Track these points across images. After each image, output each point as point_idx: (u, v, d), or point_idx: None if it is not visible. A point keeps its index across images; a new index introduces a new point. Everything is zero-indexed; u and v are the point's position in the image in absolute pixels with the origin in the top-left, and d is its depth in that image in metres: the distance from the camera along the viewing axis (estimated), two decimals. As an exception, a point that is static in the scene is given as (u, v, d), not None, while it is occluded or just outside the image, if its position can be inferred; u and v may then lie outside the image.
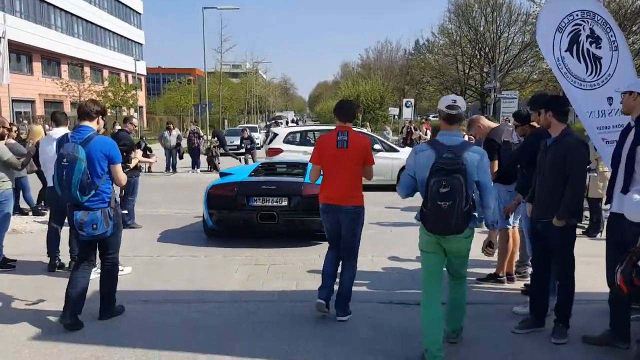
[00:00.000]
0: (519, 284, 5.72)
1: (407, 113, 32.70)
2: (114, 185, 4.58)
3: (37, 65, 39.12)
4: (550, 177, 4.20)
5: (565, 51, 4.92)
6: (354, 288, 4.80)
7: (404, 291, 5.51)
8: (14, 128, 17.65)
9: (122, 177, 4.53)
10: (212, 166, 18.52)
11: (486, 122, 5.76)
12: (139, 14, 60.32)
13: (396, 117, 35.71)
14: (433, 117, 52.11)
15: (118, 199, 4.84)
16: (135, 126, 8.84)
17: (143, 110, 59.62)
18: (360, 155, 4.52)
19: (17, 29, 34.20)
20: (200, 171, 18.27)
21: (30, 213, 9.70)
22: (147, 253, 6.99)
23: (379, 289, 5.61)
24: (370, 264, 6.49)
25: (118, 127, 18.05)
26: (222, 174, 8.55)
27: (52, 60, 41.02)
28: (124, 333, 4.38)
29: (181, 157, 18.27)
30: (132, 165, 5.41)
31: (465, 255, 3.91)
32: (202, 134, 19.57)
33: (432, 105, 57.98)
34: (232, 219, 7.40)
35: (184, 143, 19.10)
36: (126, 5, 55.85)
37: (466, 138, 5.39)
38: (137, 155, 6.12)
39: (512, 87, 33.79)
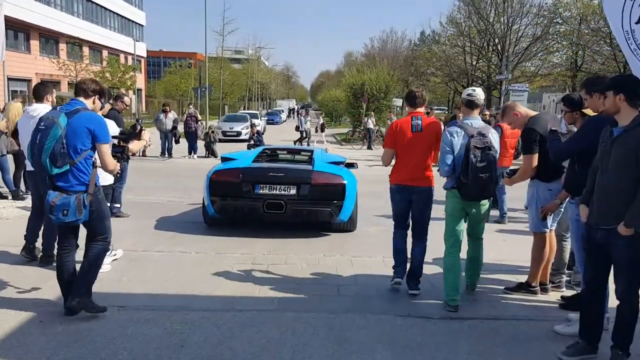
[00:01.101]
0: (553, 295, 4.99)
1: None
2: (99, 169, 4.09)
3: (34, 44, 38.11)
4: (616, 175, 3.42)
5: (637, 23, 4.10)
6: (371, 291, 4.87)
7: (423, 302, 4.74)
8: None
9: (110, 161, 4.05)
10: (210, 152, 17.74)
11: (523, 110, 4.96)
12: (141, -6, 59.09)
13: (398, 108, 34.87)
14: (437, 109, 51.49)
15: (99, 184, 4.14)
16: (127, 105, 8.05)
17: (142, 93, 58.63)
18: (432, 138, 4.78)
19: (15, 5, 33.15)
20: (197, 157, 17.50)
21: (10, 197, 8.90)
22: (130, 247, 6.21)
23: (395, 300, 4.84)
24: (381, 265, 5.73)
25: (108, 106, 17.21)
26: (224, 159, 7.81)
27: (50, 39, 39.99)
28: (95, 347, 3.62)
29: (177, 142, 17.40)
30: (132, 152, 4.55)
31: (484, 217, 4.81)
32: (199, 117, 18.69)
33: (437, 97, 57.32)
34: (236, 207, 6.90)
35: (181, 127, 18.24)
36: (128, -15, 54.64)
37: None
38: (139, 144, 4.98)
39: (520, 81, 32.83)
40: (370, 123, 24.01)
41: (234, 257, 5.97)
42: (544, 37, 32.67)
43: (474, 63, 39.45)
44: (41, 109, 5.28)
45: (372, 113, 25.54)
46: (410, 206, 4.89)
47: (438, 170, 4.56)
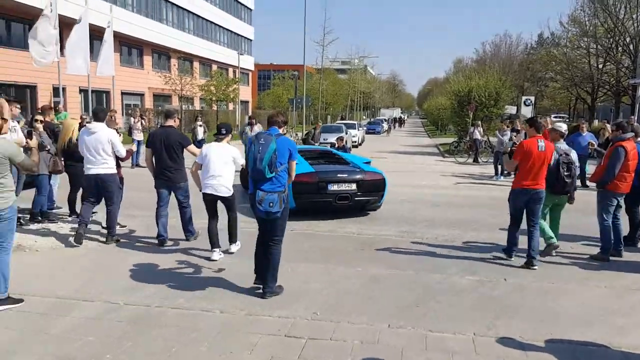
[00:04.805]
0: None
1: (527, 112, 28.69)
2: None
3: (147, 59, 40.04)
4: None
5: None
6: None
7: None
8: (86, 118, 17.07)
9: (293, 173, 5.28)
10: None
11: None
12: (250, 9, 60.53)
13: (511, 115, 31.67)
14: (555, 116, 46.73)
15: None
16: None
17: (249, 105, 60.01)
18: (550, 156, 6.36)
19: (130, 23, 35.01)
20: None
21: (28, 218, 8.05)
22: (150, 295, 5.03)
23: None
24: (470, 350, 3.95)
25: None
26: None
27: (162, 55, 41.81)
28: None
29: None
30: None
31: (564, 204, 6.96)
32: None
33: (556, 104, 52.23)
34: (313, 201, 8.95)
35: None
36: (237, 1, 56.15)
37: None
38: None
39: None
40: (477, 133, 21.51)
41: (267, 321, 4.50)
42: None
43: (600, 66, 35.08)
44: (100, 127, 6.86)
45: (480, 122, 23.00)
46: (525, 206, 6.42)
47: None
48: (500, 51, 53.95)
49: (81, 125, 10.73)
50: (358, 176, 9.22)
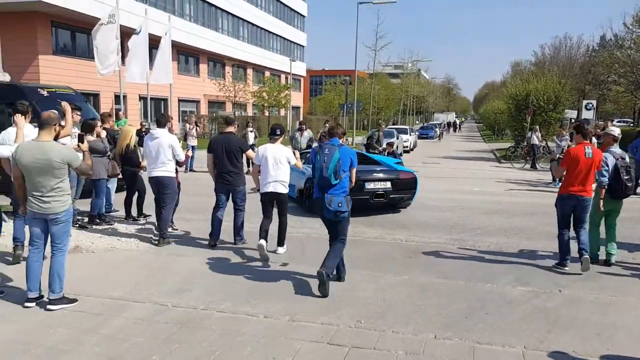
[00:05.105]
0: None
1: (588, 116, 27.37)
2: None
3: (203, 67, 41.13)
4: None
5: None
6: None
7: None
8: (145, 125, 17.62)
9: (354, 178, 5.82)
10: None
11: None
12: (303, 16, 61.15)
13: (573, 120, 30.35)
14: (618, 121, 44.39)
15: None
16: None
17: (300, 111, 60.52)
18: (597, 163, 6.35)
19: (187, 32, 36.10)
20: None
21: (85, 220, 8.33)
22: (198, 298, 5.13)
23: None
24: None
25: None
26: None
27: (217, 62, 42.87)
28: None
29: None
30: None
31: (619, 210, 6.85)
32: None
33: (618, 108, 49.69)
34: (352, 198, 8.99)
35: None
36: (291, 9, 56.87)
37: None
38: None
39: None
40: (535, 138, 20.76)
41: (310, 328, 4.48)
42: None
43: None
44: (161, 132, 7.24)
45: (538, 127, 22.19)
46: (572, 211, 6.41)
47: (595, 180, 6.41)
48: (560, 54, 51.94)
49: (140, 131, 11.14)
50: (393, 175, 9.91)
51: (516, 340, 4.29)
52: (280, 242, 6.97)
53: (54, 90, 11.18)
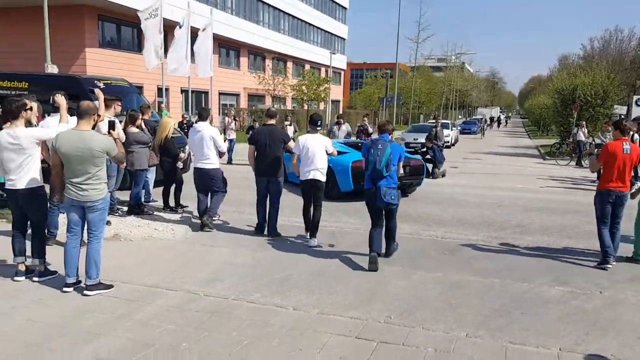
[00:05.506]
0: None
1: (638, 112, 26.15)
2: None
3: (244, 60, 41.44)
4: None
5: None
6: None
7: None
8: (186, 117, 17.87)
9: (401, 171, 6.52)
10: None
11: None
12: (345, 8, 60.76)
13: (623, 116, 29.10)
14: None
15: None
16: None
17: (340, 104, 60.31)
18: (636, 158, 6.40)
19: (228, 25, 36.42)
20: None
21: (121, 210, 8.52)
22: (228, 287, 5.19)
23: None
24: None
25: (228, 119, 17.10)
26: (340, 152, 10.26)
27: (257, 55, 43.14)
28: None
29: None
30: None
31: None
32: (371, 130, 17.49)
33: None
34: None
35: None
36: (332, 0, 56.57)
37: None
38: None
39: None
40: (581, 134, 20.05)
41: (339, 321, 4.45)
42: None
43: None
44: (204, 126, 7.53)
45: (584, 123, 21.42)
46: (612, 207, 6.38)
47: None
48: (610, 47, 49.81)
49: (181, 124, 11.30)
50: (405, 161, 10.32)
51: (551, 341, 4.14)
52: (313, 233, 7.04)
53: (109, 82, 11.55)
